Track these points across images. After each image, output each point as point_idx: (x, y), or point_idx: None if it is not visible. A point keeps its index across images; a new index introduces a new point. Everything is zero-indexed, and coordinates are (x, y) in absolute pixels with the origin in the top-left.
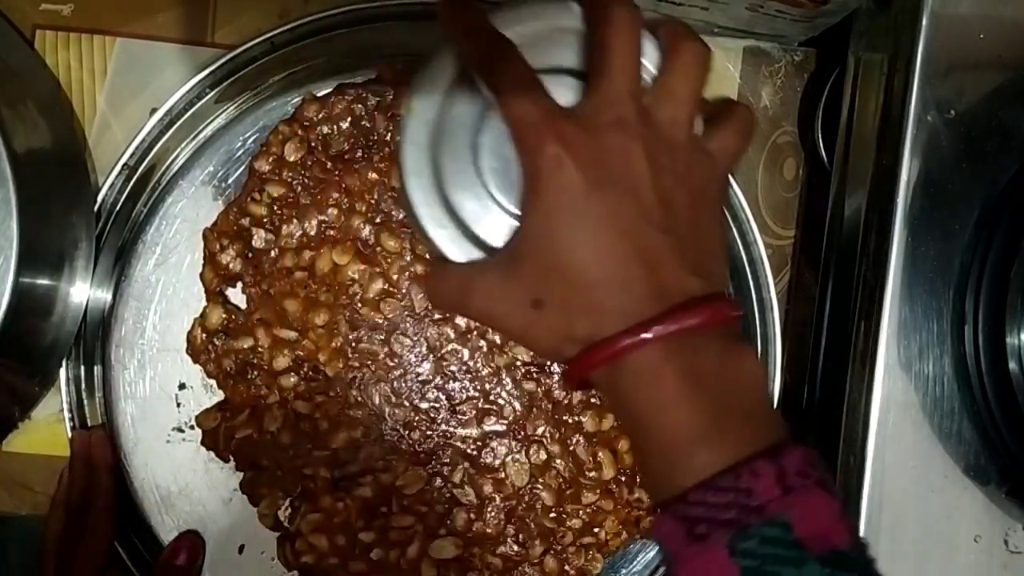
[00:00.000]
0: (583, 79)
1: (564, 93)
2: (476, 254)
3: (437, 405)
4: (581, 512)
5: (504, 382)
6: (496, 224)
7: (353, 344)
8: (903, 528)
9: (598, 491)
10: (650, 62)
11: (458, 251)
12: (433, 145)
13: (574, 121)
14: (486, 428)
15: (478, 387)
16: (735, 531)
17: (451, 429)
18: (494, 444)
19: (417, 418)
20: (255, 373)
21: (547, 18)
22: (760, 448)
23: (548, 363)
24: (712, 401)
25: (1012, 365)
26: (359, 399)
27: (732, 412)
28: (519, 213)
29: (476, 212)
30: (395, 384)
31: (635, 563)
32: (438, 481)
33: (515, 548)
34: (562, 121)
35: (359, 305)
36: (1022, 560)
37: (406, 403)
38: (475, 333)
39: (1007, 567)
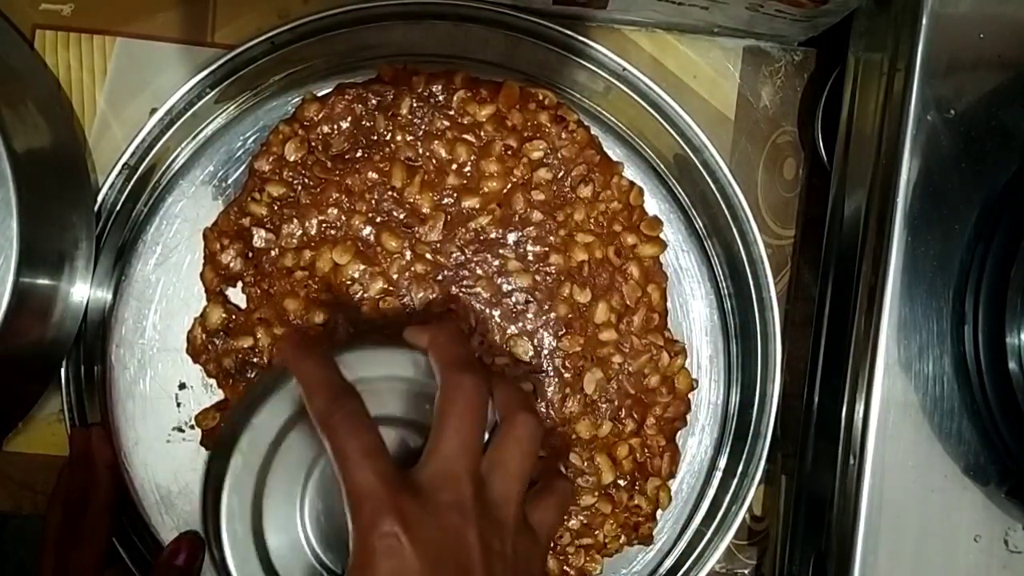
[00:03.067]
0: (418, 430)
1: (399, 440)
2: None
3: None
4: (580, 514)
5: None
6: None
7: None
8: (903, 528)
9: (596, 494)
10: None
11: None
12: (258, 483)
13: (414, 496)
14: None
15: None
16: None
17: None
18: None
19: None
20: (255, 372)
21: (390, 367)
22: None
23: (545, 365)
24: None
25: (1012, 365)
26: None
27: None
28: None
29: (290, 562)
30: None
31: (635, 563)
32: None
33: None
34: (402, 496)
35: (359, 304)
36: (1022, 560)
37: None
38: (475, 334)
39: (1007, 567)
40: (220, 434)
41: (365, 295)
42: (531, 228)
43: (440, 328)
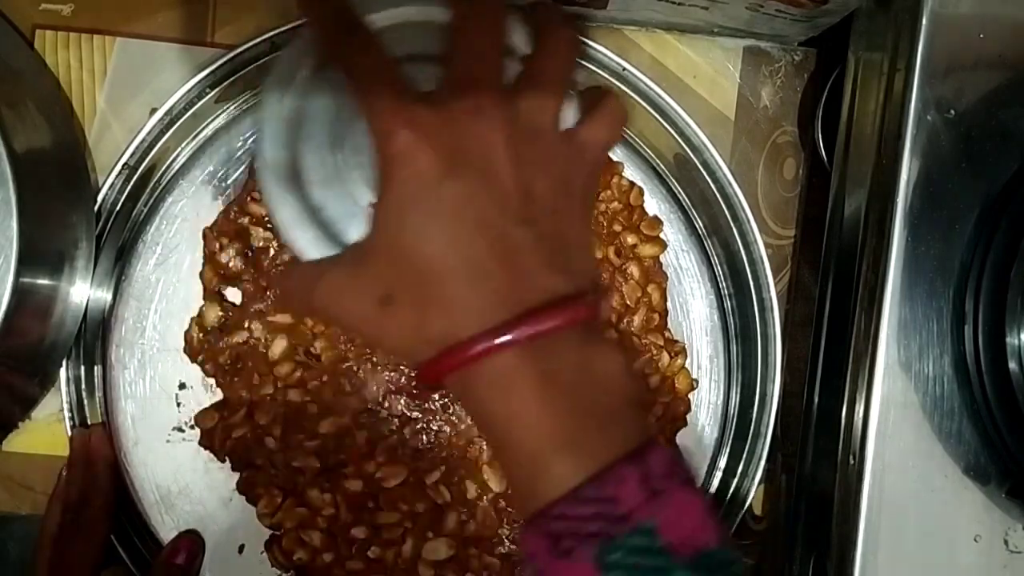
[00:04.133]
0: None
1: (426, 81)
2: (331, 251)
3: (429, 402)
4: None
5: None
6: (361, 223)
7: (351, 335)
8: (903, 528)
9: None
10: (521, 46)
11: (312, 250)
12: (292, 142)
13: (429, 106)
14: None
15: None
16: (601, 544)
17: (443, 427)
18: (481, 444)
19: (412, 413)
20: (250, 364)
21: (409, 4)
22: (624, 451)
23: None
24: (572, 407)
25: (1012, 365)
26: (354, 385)
27: (594, 416)
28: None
29: (338, 211)
30: (389, 375)
31: None
32: (418, 478)
33: (514, 548)
34: (416, 107)
35: None
36: (1022, 560)
37: (400, 396)
38: None
39: (1007, 567)
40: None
41: None
42: None
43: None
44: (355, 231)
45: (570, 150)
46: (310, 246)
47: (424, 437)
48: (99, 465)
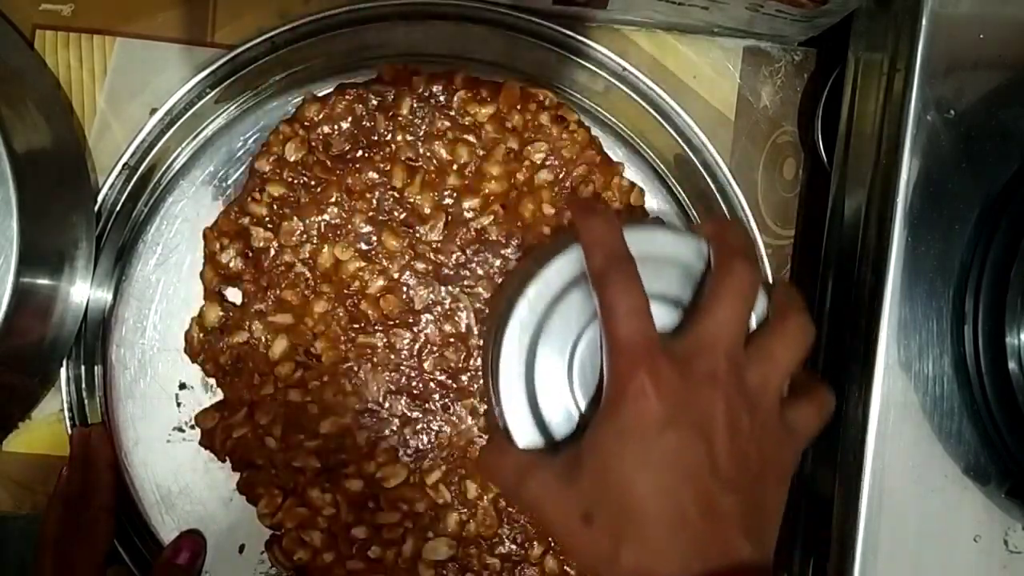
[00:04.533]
0: (682, 310)
1: (663, 317)
2: (539, 442)
3: (430, 402)
4: None
5: None
6: (568, 421)
7: (352, 336)
8: (903, 528)
9: None
10: (756, 315)
11: (524, 437)
12: (536, 330)
13: (670, 359)
14: (476, 430)
15: (474, 387)
16: None
17: (443, 427)
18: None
19: (412, 414)
20: (251, 364)
21: (672, 247)
22: None
23: None
24: None
25: (1012, 365)
26: (355, 385)
27: None
28: (590, 421)
29: (555, 411)
30: (390, 376)
31: None
32: (418, 478)
33: (513, 548)
34: (660, 357)
35: (359, 300)
36: (1022, 560)
37: (401, 396)
38: (475, 332)
39: (1007, 567)
40: (507, 283)
41: (366, 291)
42: (534, 236)
43: (728, 221)
44: (560, 425)
45: (781, 429)
46: (524, 435)
47: (424, 437)
48: (100, 464)
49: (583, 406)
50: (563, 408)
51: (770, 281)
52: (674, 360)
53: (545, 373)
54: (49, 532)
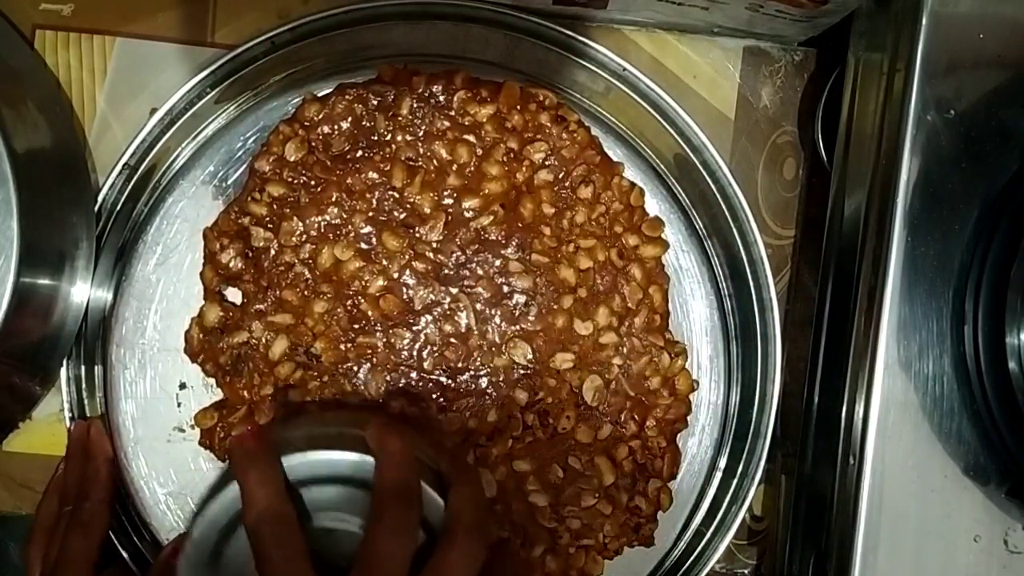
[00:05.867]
0: (354, 529)
1: (337, 538)
2: None
3: (430, 402)
4: (580, 514)
5: (499, 383)
6: None
7: (352, 336)
8: (903, 528)
9: (597, 495)
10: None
11: None
12: (210, 568)
13: None
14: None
15: (473, 387)
16: None
17: (442, 428)
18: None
19: (411, 413)
20: (251, 364)
21: (338, 469)
22: None
23: (544, 365)
24: None
25: (1012, 365)
26: (354, 386)
27: None
28: None
29: None
30: (389, 376)
31: (635, 564)
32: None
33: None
34: None
35: (359, 300)
36: (1022, 560)
37: (401, 396)
38: (475, 332)
39: (1007, 567)
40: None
41: (366, 291)
42: (534, 236)
43: (391, 439)
44: None
45: None
46: None
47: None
48: (99, 459)
49: None
50: None
51: None
52: None
53: None
54: (43, 523)
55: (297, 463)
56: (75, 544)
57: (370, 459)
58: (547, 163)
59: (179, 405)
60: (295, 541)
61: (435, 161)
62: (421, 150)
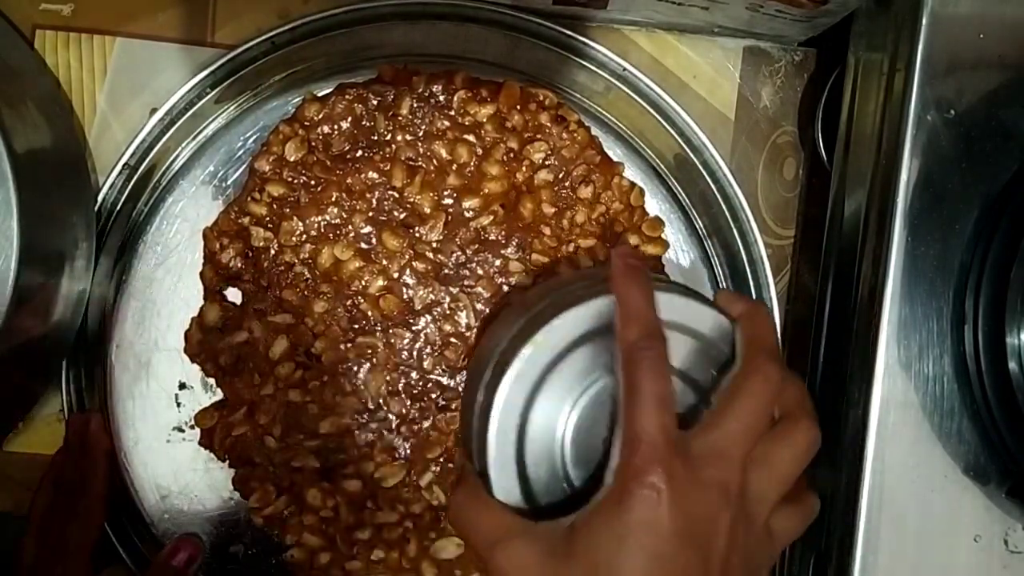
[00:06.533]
0: (696, 390)
1: (677, 393)
2: (518, 500)
3: (429, 402)
4: None
5: None
6: (552, 485)
7: (352, 336)
8: (903, 528)
9: None
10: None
11: (504, 491)
12: (538, 381)
13: (684, 460)
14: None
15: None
16: None
17: (442, 427)
18: None
19: (411, 413)
20: (251, 364)
21: (694, 319)
22: None
23: None
24: None
25: (1012, 365)
26: (354, 386)
27: None
28: (584, 497)
29: (541, 465)
30: (390, 376)
31: None
32: (412, 478)
33: None
34: (675, 458)
35: (359, 300)
36: (1022, 560)
37: (401, 396)
38: (475, 332)
39: (1007, 567)
40: (511, 313)
41: (366, 291)
42: (534, 236)
43: (758, 306)
44: (549, 500)
45: (767, 541)
46: (504, 489)
47: (423, 437)
48: (96, 452)
49: (573, 474)
50: (550, 471)
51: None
52: (689, 462)
53: (539, 430)
54: (37, 513)
55: (662, 298)
56: (74, 536)
57: (725, 320)
58: (547, 163)
59: (179, 405)
60: (667, 381)
61: (435, 161)
62: (421, 150)
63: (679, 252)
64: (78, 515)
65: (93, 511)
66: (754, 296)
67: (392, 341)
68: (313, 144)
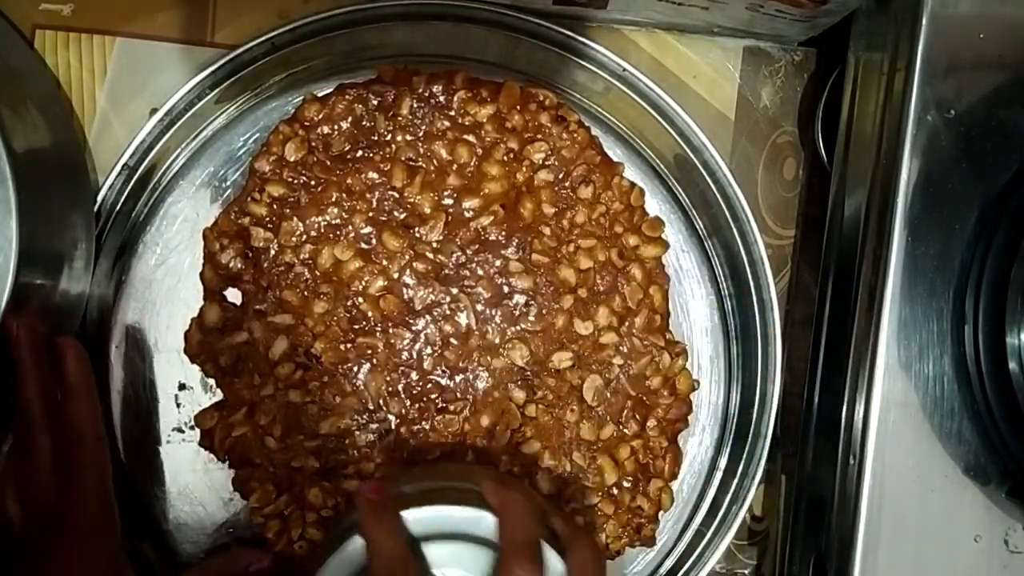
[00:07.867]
0: None
1: None
2: None
3: (429, 402)
4: (584, 511)
5: (499, 384)
6: None
7: (352, 336)
8: (903, 528)
9: (600, 494)
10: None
11: None
12: None
13: None
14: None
15: (472, 387)
16: None
17: (441, 427)
18: (481, 444)
19: (410, 413)
20: (251, 365)
21: (458, 525)
22: None
23: (544, 365)
24: None
25: (1012, 365)
26: (354, 386)
27: None
28: None
29: None
30: (390, 376)
31: (636, 564)
32: None
33: None
34: None
35: (359, 300)
36: (1022, 560)
37: (401, 396)
38: (475, 333)
39: (1007, 567)
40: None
41: (366, 292)
42: (534, 236)
43: (511, 495)
44: None
45: None
46: None
47: (423, 437)
48: (81, 391)
49: None
50: None
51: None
52: None
53: None
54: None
55: (415, 518)
56: (90, 479)
57: (487, 515)
58: (547, 163)
59: (179, 406)
60: None
61: (435, 161)
62: (421, 150)
63: (679, 252)
64: (85, 464)
65: (100, 453)
66: (754, 297)
67: (392, 341)
68: (313, 144)
